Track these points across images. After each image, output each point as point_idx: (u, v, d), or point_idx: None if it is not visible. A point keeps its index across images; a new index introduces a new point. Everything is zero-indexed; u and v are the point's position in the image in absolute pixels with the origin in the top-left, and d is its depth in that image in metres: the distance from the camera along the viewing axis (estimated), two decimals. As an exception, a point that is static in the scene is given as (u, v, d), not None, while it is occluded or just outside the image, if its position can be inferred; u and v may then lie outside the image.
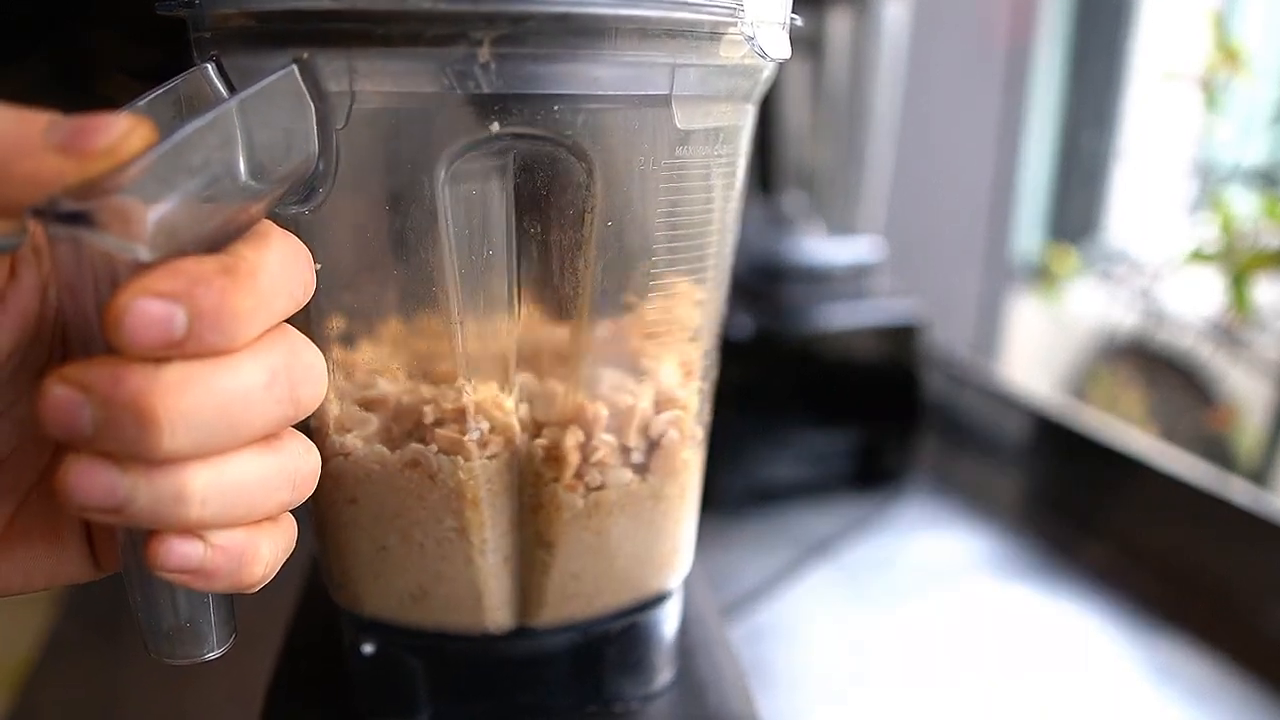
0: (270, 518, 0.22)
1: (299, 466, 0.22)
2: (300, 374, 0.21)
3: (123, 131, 0.18)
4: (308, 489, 0.23)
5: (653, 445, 0.30)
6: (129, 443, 0.18)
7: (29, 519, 0.23)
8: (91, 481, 0.19)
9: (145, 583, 0.22)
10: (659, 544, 0.32)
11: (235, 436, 0.20)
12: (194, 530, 0.20)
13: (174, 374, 0.18)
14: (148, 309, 0.18)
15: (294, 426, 0.22)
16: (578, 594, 0.31)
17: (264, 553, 0.21)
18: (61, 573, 0.24)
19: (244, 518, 0.21)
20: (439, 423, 0.28)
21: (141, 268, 0.18)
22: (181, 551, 0.20)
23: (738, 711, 0.34)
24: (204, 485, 0.19)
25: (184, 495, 0.19)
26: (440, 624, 0.31)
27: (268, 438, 0.21)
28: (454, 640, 0.31)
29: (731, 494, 0.69)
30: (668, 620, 0.35)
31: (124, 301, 0.18)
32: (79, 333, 0.19)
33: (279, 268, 0.20)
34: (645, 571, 0.32)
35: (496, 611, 0.31)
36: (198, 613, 0.22)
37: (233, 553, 0.21)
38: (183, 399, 0.18)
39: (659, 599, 0.34)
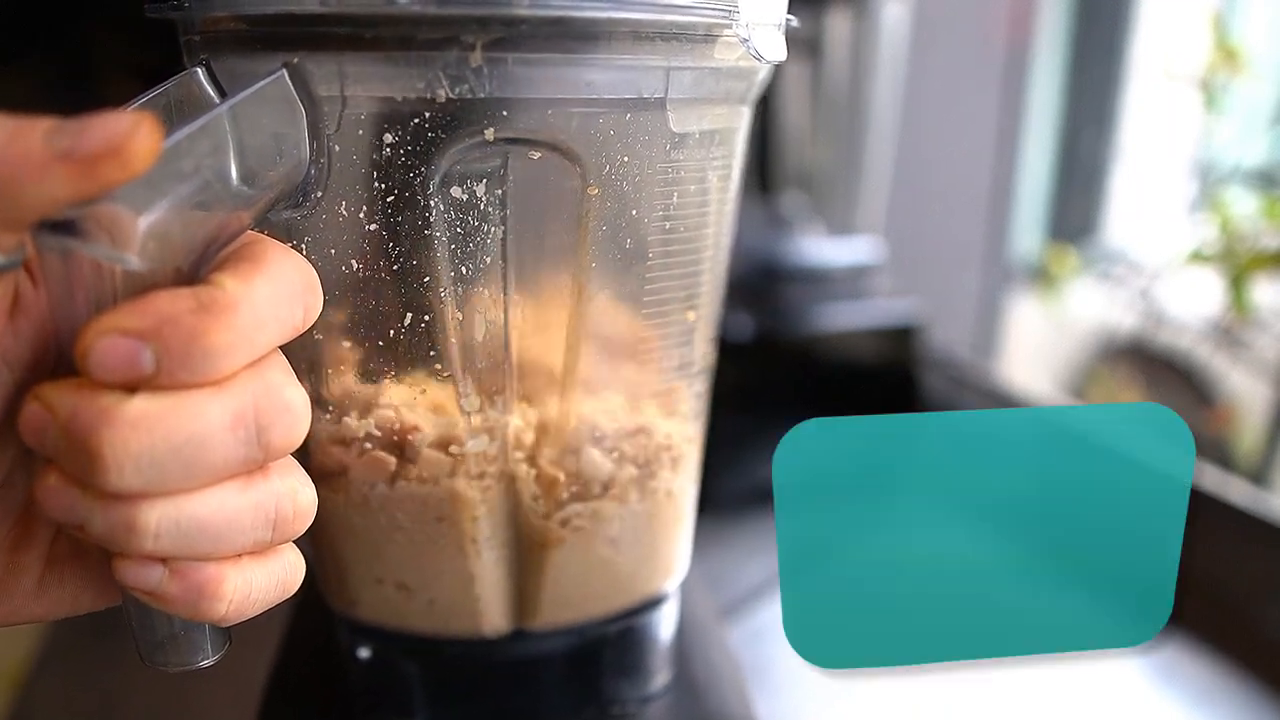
0: (251, 553, 0.21)
1: (281, 506, 0.21)
2: (272, 416, 0.20)
3: (125, 130, 0.17)
4: (294, 528, 0.22)
5: (648, 449, 0.30)
6: (81, 474, 0.18)
7: (66, 545, 0.23)
8: (57, 498, 0.19)
9: None
10: (656, 548, 0.32)
11: (192, 477, 0.19)
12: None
13: (132, 411, 0.18)
14: (114, 347, 0.18)
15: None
16: (574, 598, 0.31)
17: (227, 590, 0.20)
18: (106, 593, 0.23)
19: (209, 553, 0.20)
20: (435, 434, 0.28)
21: (128, 277, 0.18)
22: (137, 571, 0.20)
23: (735, 713, 0.34)
24: (157, 520, 0.19)
25: (135, 528, 0.19)
26: (436, 628, 0.31)
27: (248, 473, 0.20)
28: (450, 644, 0.31)
29: (731, 494, 0.69)
30: (665, 623, 0.34)
31: (91, 338, 0.18)
32: (67, 346, 0.19)
33: (267, 299, 0.20)
34: (642, 575, 0.32)
35: (493, 616, 0.31)
36: (191, 622, 0.22)
37: (191, 584, 0.20)
38: (133, 441, 0.18)
39: (656, 602, 0.34)
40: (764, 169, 0.77)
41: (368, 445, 0.28)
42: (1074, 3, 1.23)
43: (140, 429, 0.18)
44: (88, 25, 0.70)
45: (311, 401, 0.21)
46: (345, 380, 0.28)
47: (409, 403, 0.28)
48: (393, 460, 0.28)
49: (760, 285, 0.69)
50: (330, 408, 0.28)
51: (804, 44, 0.74)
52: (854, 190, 0.82)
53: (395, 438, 0.28)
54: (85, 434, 0.18)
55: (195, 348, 0.18)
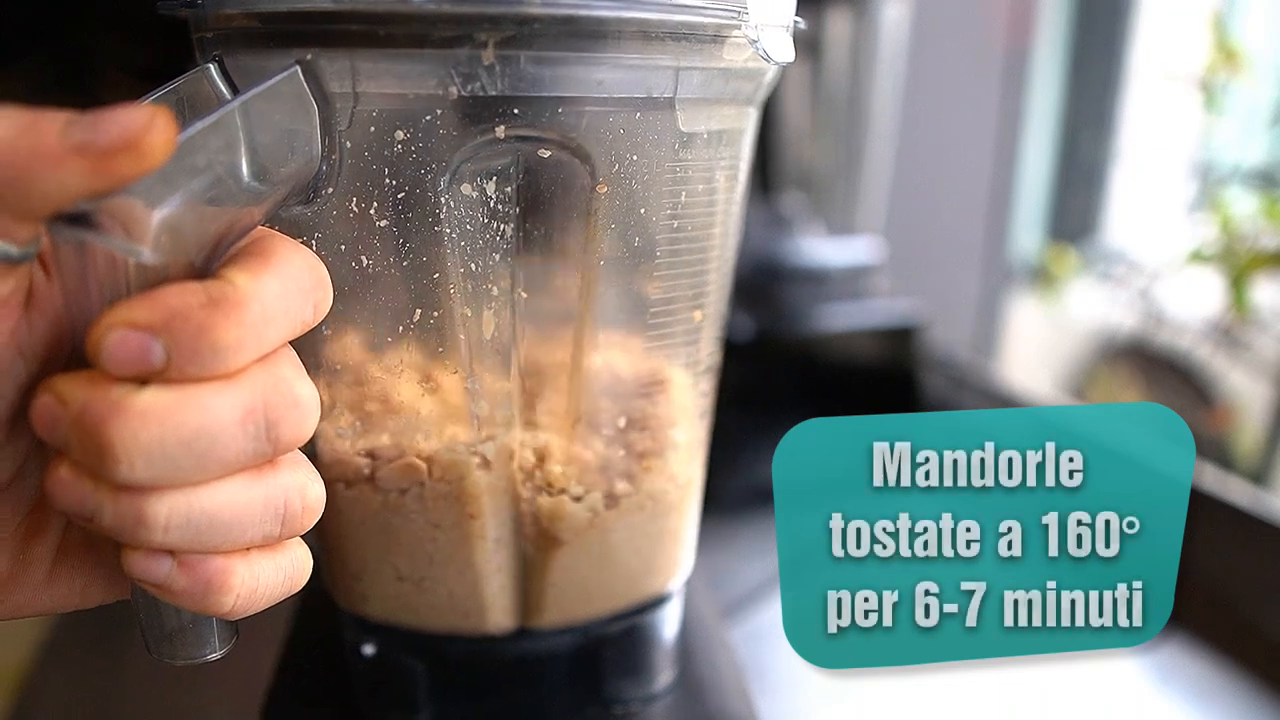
0: (259, 547, 0.21)
1: (290, 500, 0.21)
2: (281, 411, 0.20)
3: (141, 124, 0.17)
4: (303, 522, 0.22)
5: (655, 448, 0.30)
6: (92, 466, 0.18)
7: (77, 536, 0.23)
8: (67, 489, 0.19)
9: None
10: (660, 548, 0.32)
11: (202, 470, 0.19)
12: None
13: (142, 403, 0.18)
14: (125, 340, 0.18)
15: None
16: (578, 597, 0.31)
17: (235, 583, 0.21)
18: (115, 585, 0.23)
19: (217, 546, 0.20)
20: (442, 431, 0.28)
21: (140, 270, 0.18)
22: (145, 563, 0.20)
23: (737, 713, 0.34)
24: (167, 513, 0.19)
25: (145, 521, 0.19)
26: (441, 625, 0.31)
27: (257, 467, 0.20)
28: (455, 642, 0.31)
29: (731, 494, 0.69)
30: (668, 622, 0.34)
31: (102, 331, 0.18)
32: (80, 338, 0.19)
33: (277, 294, 0.20)
34: (646, 575, 0.32)
35: (497, 613, 0.31)
36: (199, 615, 0.22)
37: (199, 576, 0.20)
38: (143, 433, 0.18)
39: (659, 601, 0.34)
40: (764, 169, 0.77)
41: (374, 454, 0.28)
42: (1074, 3, 1.23)
43: (150, 421, 0.18)
44: (88, 25, 0.70)
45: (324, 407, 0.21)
46: (348, 379, 0.28)
47: (416, 404, 0.28)
48: (423, 464, 0.28)
49: (760, 285, 0.69)
50: (341, 415, 0.28)
51: (804, 44, 0.74)
52: (854, 190, 0.82)
53: (401, 443, 0.28)
54: (96, 426, 0.18)
55: (204, 342, 0.18)
